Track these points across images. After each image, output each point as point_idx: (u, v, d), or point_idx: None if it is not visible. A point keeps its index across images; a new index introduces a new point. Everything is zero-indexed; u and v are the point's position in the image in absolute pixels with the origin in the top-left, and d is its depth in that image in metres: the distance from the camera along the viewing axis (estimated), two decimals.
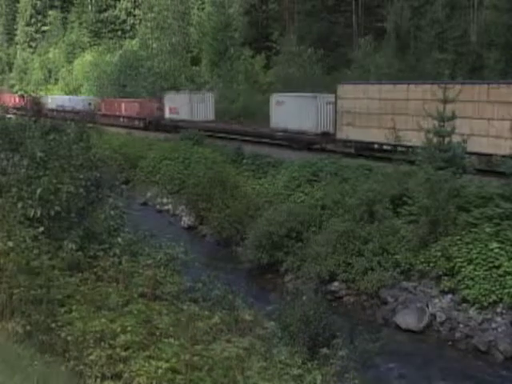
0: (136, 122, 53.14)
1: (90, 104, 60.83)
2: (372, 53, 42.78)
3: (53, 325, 6.84)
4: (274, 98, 38.51)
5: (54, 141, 10.91)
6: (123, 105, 56.05)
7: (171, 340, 6.50)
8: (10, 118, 14.04)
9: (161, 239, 11.62)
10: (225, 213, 27.35)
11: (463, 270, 18.98)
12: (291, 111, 36.27)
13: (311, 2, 52.42)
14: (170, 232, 20.12)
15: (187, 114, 46.79)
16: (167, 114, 49.67)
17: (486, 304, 18.13)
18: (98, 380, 6.08)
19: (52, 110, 63.55)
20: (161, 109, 50.75)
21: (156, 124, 50.56)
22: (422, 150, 22.73)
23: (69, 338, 6.57)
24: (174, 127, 46.96)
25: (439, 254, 19.71)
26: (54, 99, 70.32)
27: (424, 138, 22.65)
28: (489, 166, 25.31)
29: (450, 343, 18.17)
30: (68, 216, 9.41)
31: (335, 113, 33.48)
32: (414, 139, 25.20)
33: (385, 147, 29.88)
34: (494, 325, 17.83)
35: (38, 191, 8.91)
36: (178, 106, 48.03)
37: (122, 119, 55.64)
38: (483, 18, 40.45)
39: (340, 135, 33.09)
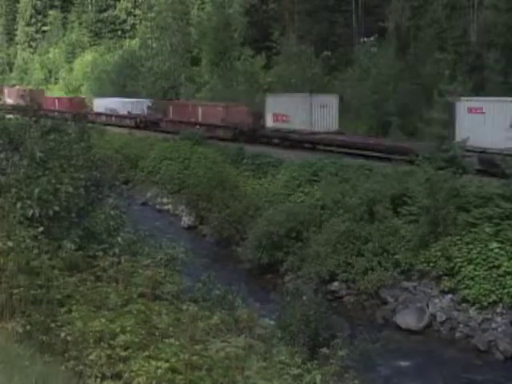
0: (221, 132, 41.70)
1: (150, 108, 52.20)
2: (373, 53, 42.76)
3: (52, 325, 6.83)
4: (463, 103, 26.77)
5: (54, 141, 10.90)
6: (200, 110, 45.03)
7: (171, 340, 6.51)
8: (9, 119, 14.02)
9: (161, 239, 11.62)
10: (225, 213, 27.38)
11: (463, 269, 18.99)
12: (496, 124, 24.84)
13: (311, 1, 52.41)
14: (170, 232, 20.14)
15: (305, 123, 35.88)
16: (270, 123, 38.61)
17: (485, 304, 18.15)
18: (98, 380, 6.08)
19: (100, 115, 56.00)
20: (257, 115, 40.26)
21: (251, 135, 39.33)
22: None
23: (68, 337, 6.56)
24: (282, 139, 37.56)
25: (439, 253, 19.73)
26: (103, 101, 59.29)
27: None
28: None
29: (450, 343, 18.18)
30: (68, 216, 9.40)
31: None
32: None
33: None
34: (493, 325, 17.85)
35: (36, 191, 8.91)
36: (289, 111, 37.12)
37: (198, 127, 43.97)
38: (483, 18, 40.39)
39: None
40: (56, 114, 57.22)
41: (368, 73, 40.53)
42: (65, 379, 6.05)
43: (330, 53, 48.22)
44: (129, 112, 53.48)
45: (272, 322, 11.53)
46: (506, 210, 19.76)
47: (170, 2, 64.07)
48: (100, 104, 58.83)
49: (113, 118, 54.59)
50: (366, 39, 44.86)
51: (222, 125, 41.65)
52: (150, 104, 52.58)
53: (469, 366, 16.89)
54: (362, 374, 10.87)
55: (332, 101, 36.28)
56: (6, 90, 79.74)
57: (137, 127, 51.02)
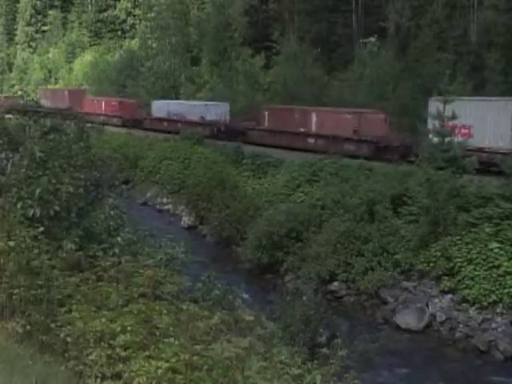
0: (352, 147, 32.35)
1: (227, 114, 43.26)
2: (375, 53, 42.78)
3: (52, 325, 6.83)
4: None
5: (53, 141, 10.89)
6: (315, 116, 35.00)
7: (171, 340, 6.50)
8: (9, 118, 14.02)
9: (161, 239, 11.61)
10: (225, 213, 27.38)
11: (463, 269, 19.00)
12: None
13: (311, 1, 52.45)
14: (170, 232, 20.13)
15: (502, 139, 26.04)
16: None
17: (485, 304, 18.16)
18: (98, 380, 6.08)
19: (161, 121, 48.72)
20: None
21: (405, 152, 28.87)
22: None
23: (68, 338, 6.55)
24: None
25: (439, 253, 19.74)
26: (165, 105, 49.81)
27: None
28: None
29: (450, 343, 18.19)
30: (68, 216, 9.39)
31: None
32: None
33: None
34: (493, 325, 17.85)
35: (37, 191, 8.91)
36: (472, 122, 27.01)
37: (312, 140, 34.99)
38: (483, 18, 40.42)
39: None
40: (101, 118, 51.84)
41: (366, 71, 40.60)
42: (65, 379, 6.06)
43: (329, 52, 48.22)
44: (202, 118, 43.85)
45: (272, 323, 11.52)
46: (506, 210, 19.77)
47: (169, 2, 64.07)
48: (161, 108, 49.47)
49: (179, 125, 45.33)
50: (365, 39, 44.88)
51: (354, 138, 32.56)
52: (227, 109, 43.78)
53: (469, 366, 16.88)
54: (362, 374, 10.87)
55: None
56: (40, 91, 71.23)
57: (213, 137, 41.17)
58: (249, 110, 42.99)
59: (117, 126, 51.91)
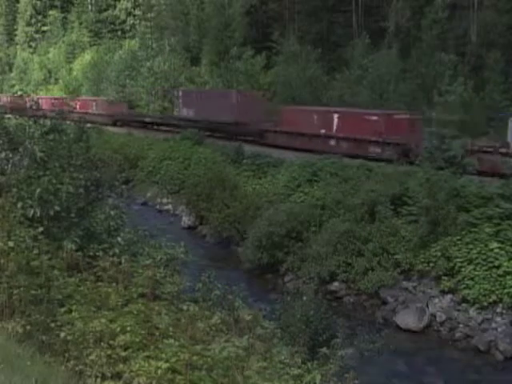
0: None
1: None
2: (366, 52, 42.66)
3: (52, 325, 6.83)
4: None
5: (53, 141, 10.89)
6: None
7: (171, 340, 6.51)
8: (9, 118, 14.03)
9: (161, 239, 11.61)
10: (225, 213, 27.37)
11: (463, 269, 19.00)
12: None
13: (311, 2, 52.44)
14: (170, 232, 20.11)
15: None
16: None
17: (485, 304, 18.16)
18: (98, 380, 6.09)
19: None
20: None
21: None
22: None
23: (69, 337, 6.56)
24: None
25: (439, 253, 19.73)
26: None
27: None
28: None
29: (450, 343, 18.19)
30: (68, 216, 9.40)
31: None
32: None
33: None
34: (493, 325, 17.85)
35: (37, 191, 8.92)
36: None
37: None
38: (483, 18, 40.42)
39: None
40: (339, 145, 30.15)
41: (367, 72, 40.56)
42: (65, 379, 6.05)
43: (329, 53, 48.18)
44: None
45: (272, 322, 11.51)
46: (506, 210, 19.77)
47: (169, 2, 64.03)
48: None
49: None
50: (360, 39, 44.82)
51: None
52: None
53: (469, 366, 16.88)
54: (361, 374, 10.86)
55: None
56: (180, 93, 48.12)
57: None
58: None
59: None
